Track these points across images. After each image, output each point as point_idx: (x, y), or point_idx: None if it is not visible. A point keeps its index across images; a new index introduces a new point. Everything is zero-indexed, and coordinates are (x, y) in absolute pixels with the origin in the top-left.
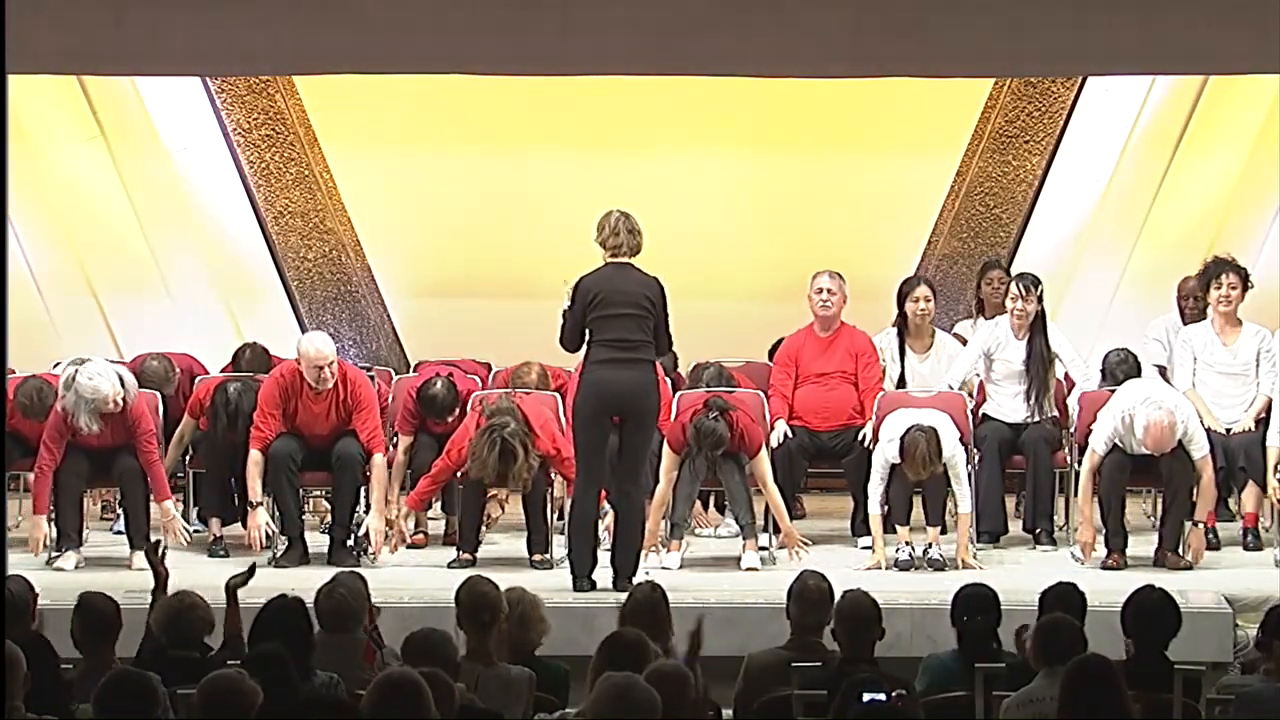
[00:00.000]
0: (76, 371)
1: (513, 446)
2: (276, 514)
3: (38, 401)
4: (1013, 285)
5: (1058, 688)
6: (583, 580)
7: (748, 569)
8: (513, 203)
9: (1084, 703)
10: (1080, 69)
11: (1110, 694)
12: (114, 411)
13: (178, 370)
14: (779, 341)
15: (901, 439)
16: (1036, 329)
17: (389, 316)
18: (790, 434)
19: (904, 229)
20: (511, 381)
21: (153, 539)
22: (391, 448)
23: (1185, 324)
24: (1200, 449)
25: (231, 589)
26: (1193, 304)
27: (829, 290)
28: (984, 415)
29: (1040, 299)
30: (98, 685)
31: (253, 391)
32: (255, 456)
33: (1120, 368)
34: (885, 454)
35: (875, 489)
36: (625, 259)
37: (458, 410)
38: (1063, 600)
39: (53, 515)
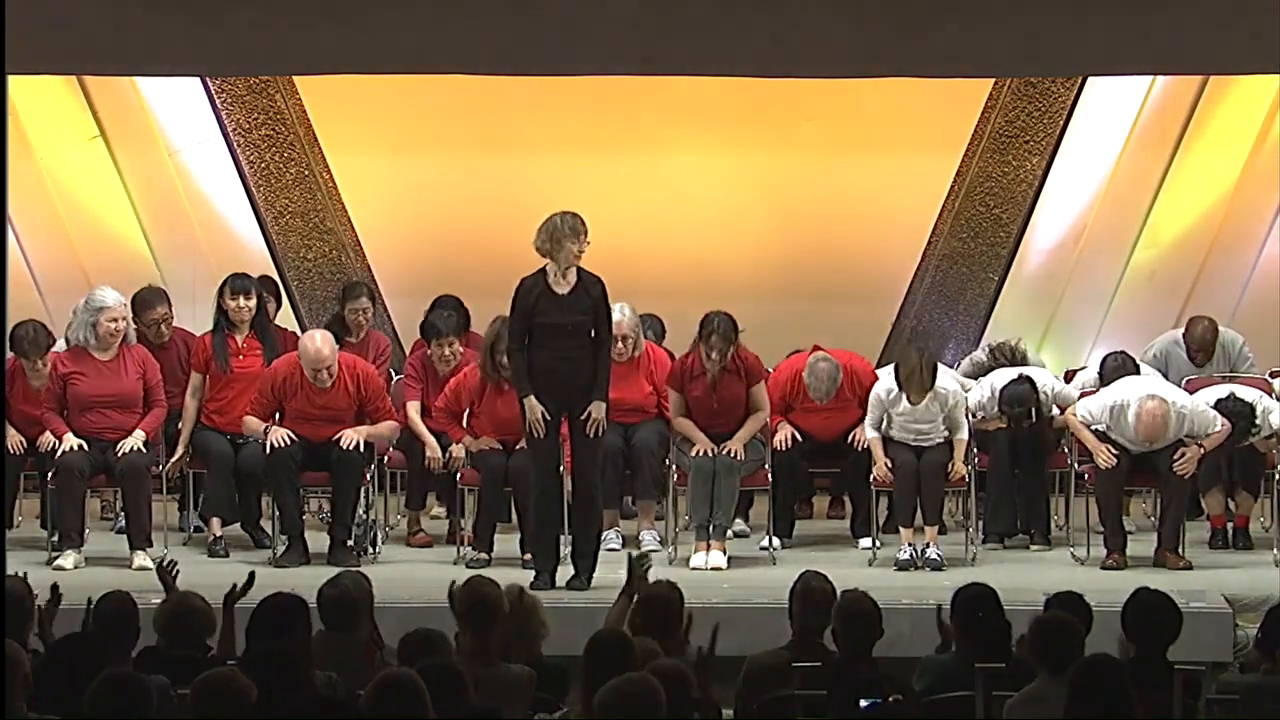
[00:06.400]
0: (87, 298)
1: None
2: (276, 514)
3: (33, 336)
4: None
5: (1061, 687)
6: (545, 577)
7: (712, 568)
8: (513, 203)
9: (1091, 703)
10: (1080, 69)
11: (1117, 695)
12: (117, 328)
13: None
14: None
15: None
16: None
17: (389, 316)
18: (797, 436)
19: (904, 229)
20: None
21: (153, 545)
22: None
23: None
24: (1212, 429)
25: (229, 602)
26: (1202, 357)
27: (831, 381)
28: None
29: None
30: (92, 686)
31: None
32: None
33: (1118, 373)
34: (879, 389)
35: (871, 417)
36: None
37: (458, 338)
38: (1067, 608)
39: (53, 515)
